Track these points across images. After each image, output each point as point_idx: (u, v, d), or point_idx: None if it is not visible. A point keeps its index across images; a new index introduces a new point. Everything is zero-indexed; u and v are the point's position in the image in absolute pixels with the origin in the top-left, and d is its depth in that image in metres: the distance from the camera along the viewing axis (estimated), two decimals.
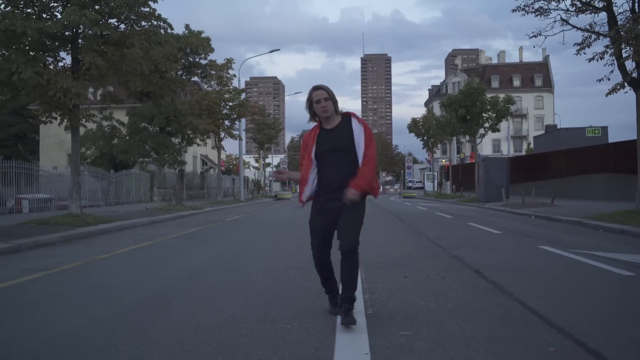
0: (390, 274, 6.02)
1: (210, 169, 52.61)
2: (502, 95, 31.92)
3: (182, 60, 36.49)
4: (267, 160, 63.40)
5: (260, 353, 3.26)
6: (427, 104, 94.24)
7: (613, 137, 38.93)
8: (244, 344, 3.45)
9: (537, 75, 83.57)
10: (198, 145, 36.37)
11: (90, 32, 13.56)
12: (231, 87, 33.65)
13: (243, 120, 37.83)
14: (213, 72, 34.89)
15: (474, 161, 36.95)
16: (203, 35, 37.20)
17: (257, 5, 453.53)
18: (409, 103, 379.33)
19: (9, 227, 12.51)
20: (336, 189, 3.86)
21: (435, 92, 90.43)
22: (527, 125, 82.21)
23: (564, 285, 5.50)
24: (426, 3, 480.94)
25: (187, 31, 36.85)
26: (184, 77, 36.64)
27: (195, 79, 40.63)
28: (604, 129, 37.00)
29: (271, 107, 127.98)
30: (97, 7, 14.21)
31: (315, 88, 4.03)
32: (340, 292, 3.95)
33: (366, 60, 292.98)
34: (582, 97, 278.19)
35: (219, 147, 34.53)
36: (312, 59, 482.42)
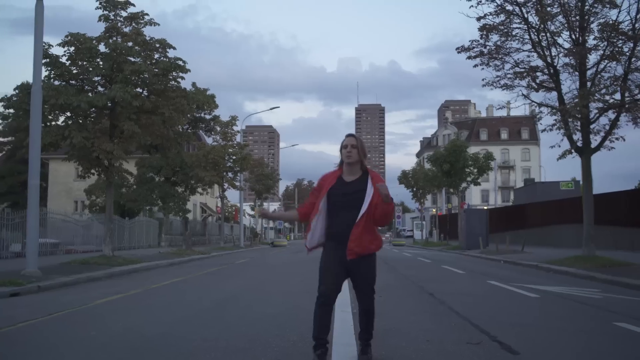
0: None
1: (209, 217, 55.15)
2: (482, 152, 35.03)
3: (189, 115, 39.60)
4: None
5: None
6: (418, 155, 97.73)
7: None
8: (284, 322, 6.06)
9: (523, 129, 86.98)
10: (200, 194, 39.02)
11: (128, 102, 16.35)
12: (235, 142, 36.64)
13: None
14: (218, 127, 37.92)
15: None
16: (208, 92, 40.50)
17: (256, 54, 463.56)
18: (403, 152, 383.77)
19: (55, 266, 14.99)
20: (341, 242, 4.12)
21: (427, 144, 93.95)
22: (515, 177, 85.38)
23: (486, 301, 8.14)
24: (423, 54, 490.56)
25: (194, 89, 40.07)
26: (189, 131, 39.71)
27: (200, 132, 43.73)
28: (577, 183, 39.97)
29: (266, 156, 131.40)
30: (133, 79, 17.00)
31: (347, 135, 4.24)
32: (360, 332, 4.53)
33: (360, 110, 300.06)
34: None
35: (222, 197, 37.26)
36: (309, 108, 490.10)
